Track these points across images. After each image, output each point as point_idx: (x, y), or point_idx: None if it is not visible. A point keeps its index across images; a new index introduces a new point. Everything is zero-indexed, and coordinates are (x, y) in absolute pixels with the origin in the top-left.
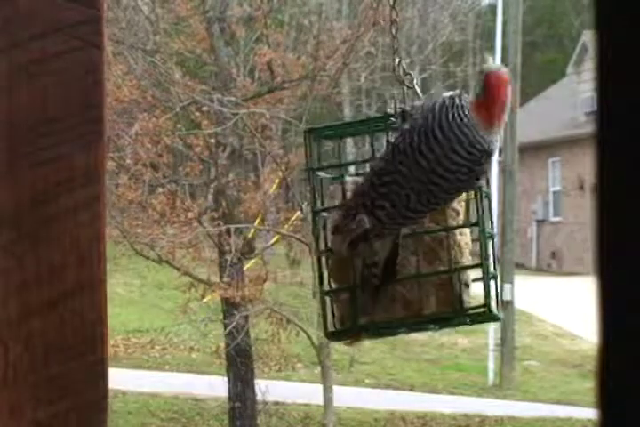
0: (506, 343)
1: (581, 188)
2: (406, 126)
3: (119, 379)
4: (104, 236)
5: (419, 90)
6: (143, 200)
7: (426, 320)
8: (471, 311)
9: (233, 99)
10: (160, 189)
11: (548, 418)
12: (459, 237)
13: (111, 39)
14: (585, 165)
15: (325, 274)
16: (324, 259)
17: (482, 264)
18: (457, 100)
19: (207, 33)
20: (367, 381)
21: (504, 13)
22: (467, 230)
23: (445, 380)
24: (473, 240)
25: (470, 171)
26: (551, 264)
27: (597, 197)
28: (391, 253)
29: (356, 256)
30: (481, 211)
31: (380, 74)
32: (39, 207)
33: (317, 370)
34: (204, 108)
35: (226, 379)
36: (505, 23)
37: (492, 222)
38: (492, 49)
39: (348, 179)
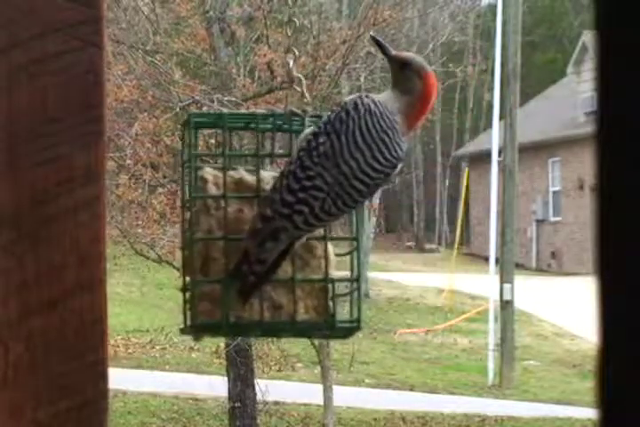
0: (506, 343)
1: (581, 188)
2: (318, 129)
3: (119, 379)
4: (104, 236)
5: (307, 94)
6: (143, 200)
7: (297, 327)
8: (341, 324)
9: (233, 99)
10: (160, 189)
11: (548, 418)
12: (330, 247)
13: (111, 39)
14: (585, 165)
15: (196, 266)
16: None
17: (356, 278)
18: (377, 104)
19: (207, 33)
20: (367, 381)
21: (504, 13)
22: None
23: (445, 380)
24: (342, 254)
25: (386, 175)
26: (551, 264)
27: (597, 197)
28: (282, 254)
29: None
30: (356, 222)
31: (380, 74)
32: (39, 207)
33: (317, 370)
34: (204, 108)
35: (226, 379)
36: (505, 23)
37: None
38: (491, 49)
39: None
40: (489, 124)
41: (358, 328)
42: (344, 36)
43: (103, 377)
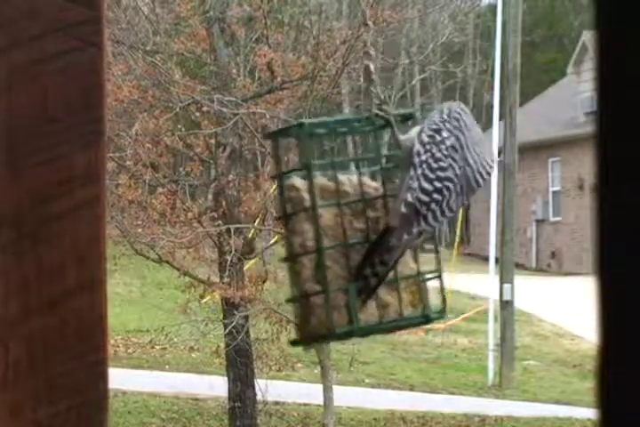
0: (506, 343)
1: (581, 188)
2: (434, 126)
3: (119, 379)
4: (104, 236)
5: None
6: (143, 200)
7: (402, 323)
8: (434, 316)
9: (233, 99)
10: (160, 189)
11: (548, 418)
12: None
13: (111, 39)
14: (585, 165)
15: (303, 276)
16: (306, 260)
17: (439, 271)
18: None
19: (207, 33)
20: (367, 381)
21: (504, 13)
22: None
23: (445, 380)
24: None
25: (485, 180)
26: (551, 264)
27: (597, 196)
28: (402, 253)
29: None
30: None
31: (380, 74)
32: (39, 207)
33: (317, 370)
34: (204, 109)
35: (226, 379)
36: (505, 23)
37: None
38: (491, 49)
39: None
40: (489, 125)
41: (444, 317)
42: (344, 36)
43: (103, 377)
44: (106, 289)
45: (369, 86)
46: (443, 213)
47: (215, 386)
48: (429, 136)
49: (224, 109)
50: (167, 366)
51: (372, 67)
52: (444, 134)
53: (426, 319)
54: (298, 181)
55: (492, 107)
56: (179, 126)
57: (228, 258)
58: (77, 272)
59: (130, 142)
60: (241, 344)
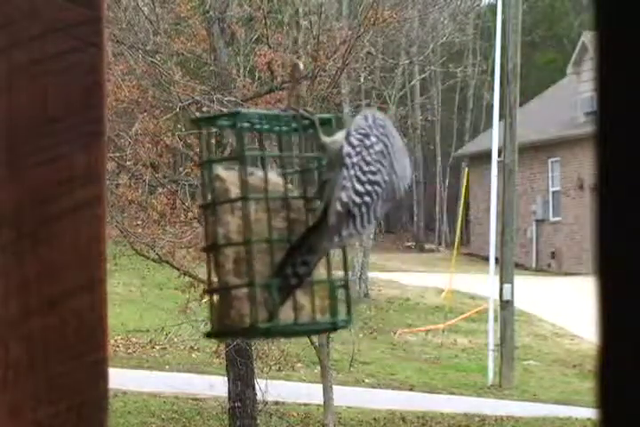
0: (506, 343)
1: (581, 188)
2: (360, 130)
3: (119, 379)
4: (104, 236)
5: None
6: (143, 200)
7: (313, 327)
8: (339, 323)
9: (233, 99)
10: (160, 189)
11: (548, 418)
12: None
13: (111, 39)
14: (585, 165)
15: (225, 269)
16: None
17: (346, 272)
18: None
19: (207, 33)
20: (367, 381)
21: (504, 13)
22: None
23: (445, 380)
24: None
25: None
26: (551, 264)
27: (597, 197)
28: (325, 254)
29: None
30: None
31: (380, 74)
32: (39, 207)
33: (317, 370)
34: (204, 108)
35: (226, 379)
36: (505, 23)
37: None
38: (491, 49)
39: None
40: (489, 124)
41: (348, 325)
42: (344, 36)
43: (103, 377)
44: (106, 289)
45: (295, 85)
46: (369, 218)
47: (215, 386)
48: (358, 140)
49: (224, 109)
50: (167, 366)
51: (300, 66)
52: (373, 139)
53: (333, 326)
54: (222, 171)
55: (492, 107)
56: (179, 126)
57: None
58: (77, 272)
59: (130, 142)
60: (241, 344)
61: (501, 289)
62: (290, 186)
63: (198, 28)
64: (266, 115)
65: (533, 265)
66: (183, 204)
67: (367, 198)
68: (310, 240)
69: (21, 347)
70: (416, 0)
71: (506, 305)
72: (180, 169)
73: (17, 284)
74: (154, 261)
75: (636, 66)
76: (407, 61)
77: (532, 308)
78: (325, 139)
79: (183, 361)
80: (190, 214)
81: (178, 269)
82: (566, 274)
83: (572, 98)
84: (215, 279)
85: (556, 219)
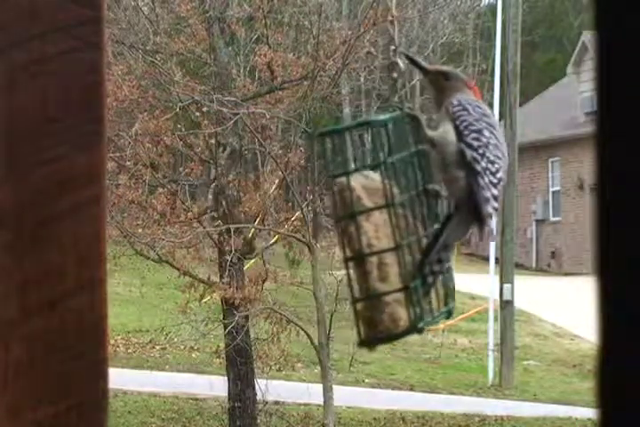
0: (506, 343)
1: (581, 188)
2: (470, 124)
3: (119, 379)
4: (104, 236)
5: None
6: (143, 200)
7: (437, 318)
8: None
9: (233, 99)
10: (160, 189)
11: (548, 418)
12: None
13: (111, 39)
14: (585, 165)
15: (373, 276)
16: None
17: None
18: None
19: (207, 33)
20: (367, 381)
21: (504, 13)
22: None
23: (445, 380)
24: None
25: None
26: (551, 264)
27: (597, 197)
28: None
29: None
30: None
31: (380, 74)
32: (39, 207)
33: (317, 370)
34: (204, 109)
35: (226, 379)
36: (505, 23)
37: None
38: (491, 49)
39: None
40: None
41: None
42: (344, 36)
43: (103, 377)
44: (106, 289)
45: (395, 84)
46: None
47: (215, 386)
48: (475, 139)
49: (224, 109)
50: (167, 366)
51: (401, 64)
52: (486, 134)
53: (448, 314)
54: (352, 180)
55: (492, 107)
56: (179, 126)
57: (228, 258)
58: (77, 272)
59: (130, 142)
60: (241, 344)
61: (501, 289)
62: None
63: (198, 28)
64: (370, 122)
65: (533, 265)
66: (183, 204)
67: (500, 198)
68: (443, 239)
69: (21, 347)
70: (416, 0)
71: (506, 305)
72: (180, 169)
73: (17, 284)
74: (154, 261)
75: (636, 66)
76: (407, 61)
77: (532, 308)
78: (432, 134)
79: (183, 361)
80: (190, 214)
81: (178, 269)
82: (566, 274)
83: (572, 98)
84: (359, 288)
85: (556, 219)
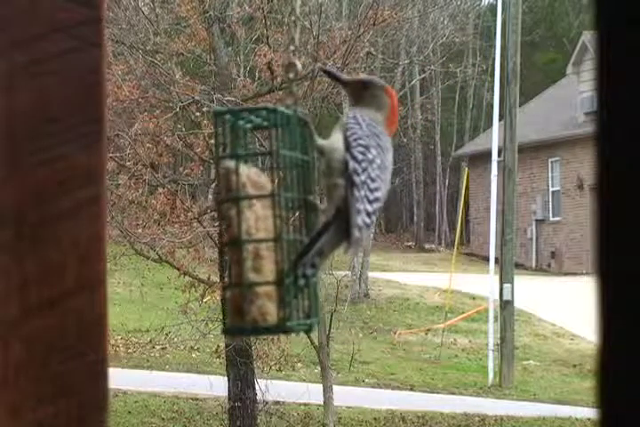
0: (506, 343)
1: (581, 188)
2: (359, 141)
3: (119, 379)
4: (104, 236)
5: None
6: (143, 200)
7: (300, 327)
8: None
9: (233, 99)
10: (160, 189)
11: (548, 417)
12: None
13: (111, 39)
14: (585, 165)
15: (247, 264)
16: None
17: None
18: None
19: (207, 33)
20: (367, 381)
21: (504, 13)
22: None
23: (445, 380)
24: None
25: None
26: (551, 264)
27: (597, 197)
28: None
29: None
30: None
31: (379, 74)
32: (39, 207)
33: (317, 370)
34: (204, 109)
35: (226, 379)
36: (505, 23)
37: None
38: (491, 49)
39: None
40: (489, 124)
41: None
42: (344, 36)
43: (103, 377)
44: (106, 289)
45: (291, 84)
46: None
47: (215, 386)
48: (361, 153)
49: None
50: (167, 366)
51: (298, 64)
52: (373, 152)
53: (309, 327)
54: (241, 166)
55: (492, 107)
56: (179, 126)
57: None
58: (77, 272)
59: (130, 142)
60: (241, 344)
61: (501, 289)
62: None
63: (198, 28)
64: (266, 108)
65: (533, 265)
66: (183, 204)
67: (373, 217)
68: (320, 244)
69: (21, 347)
70: (416, 0)
71: (506, 305)
72: (180, 169)
73: (17, 284)
74: (154, 261)
75: (636, 66)
76: (407, 61)
77: (532, 308)
78: (322, 142)
79: (183, 361)
80: (190, 214)
81: (178, 269)
82: (566, 274)
83: (572, 98)
84: (231, 275)
85: (556, 219)
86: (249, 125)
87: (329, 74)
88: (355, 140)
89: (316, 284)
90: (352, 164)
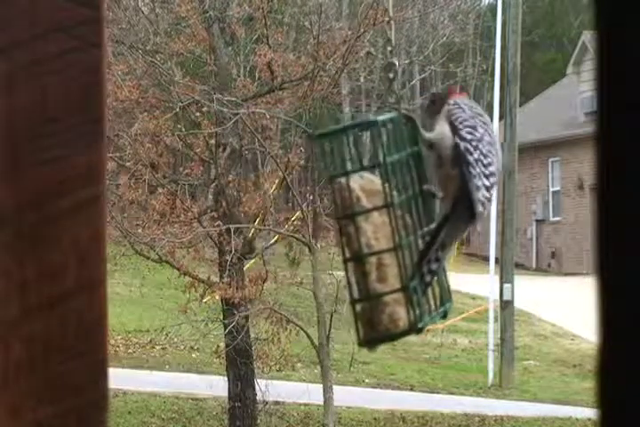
0: (506, 343)
1: (581, 188)
2: (466, 122)
3: (119, 379)
4: (104, 236)
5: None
6: (143, 200)
7: (434, 318)
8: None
9: (233, 99)
10: (160, 189)
11: (548, 418)
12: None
13: (111, 39)
14: (585, 165)
15: (372, 276)
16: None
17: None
18: None
19: (207, 33)
20: (367, 381)
21: (504, 13)
22: None
23: (445, 380)
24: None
25: None
26: (551, 264)
27: (597, 197)
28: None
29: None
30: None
31: (380, 74)
32: (39, 207)
33: (317, 370)
34: (204, 108)
35: (226, 379)
36: (505, 23)
37: None
38: (491, 49)
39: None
40: None
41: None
42: (344, 36)
43: (103, 377)
44: (106, 289)
45: (391, 84)
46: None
47: (215, 386)
48: (469, 133)
49: (224, 109)
50: (167, 366)
51: (396, 64)
52: (480, 130)
53: (444, 313)
54: (351, 181)
55: (492, 107)
56: (179, 126)
57: (228, 258)
58: (77, 272)
59: (130, 142)
60: (241, 344)
61: (501, 289)
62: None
63: (198, 28)
64: (367, 122)
65: (533, 265)
66: (183, 204)
67: (492, 191)
68: (441, 238)
69: (21, 347)
70: (416, 0)
71: (506, 305)
72: (180, 169)
73: (17, 284)
74: (154, 261)
75: (636, 66)
76: (407, 61)
77: (532, 308)
78: (429, 135)
79: (183, 361)
80: (190, 214)
81: (178, 270)
82: (566, 274)
83: (572, 98)
84: (358, 289)
85: (556, 219)
86: (365, 137)
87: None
88: (460, 122)
89: (444, 270)
90: (463, 144)
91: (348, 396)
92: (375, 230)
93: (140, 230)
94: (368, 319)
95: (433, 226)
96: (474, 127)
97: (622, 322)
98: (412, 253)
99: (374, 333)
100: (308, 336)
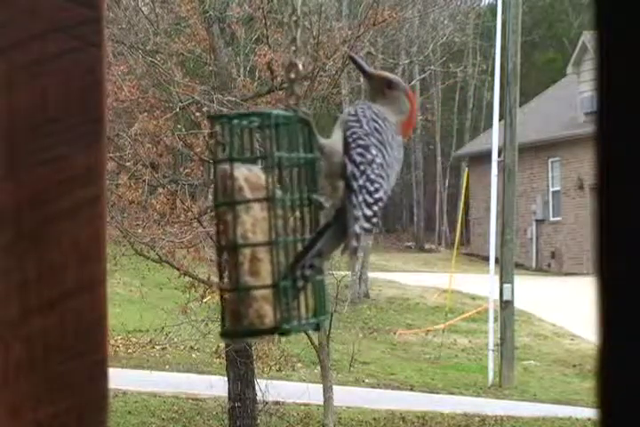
0: (506, 343)
1: (581, 188)
2: (358, 138)
3: (119, 379)
4: (104, 236)
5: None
6: (143, 200)
7: (306, 326)
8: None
9: (233, 99)
10: (160, 190)
11: (548, 418)
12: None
13: (111, 39)
14: (585, 165)
15: (244, 268)
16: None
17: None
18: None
19: (207, 33)
20: (367, 381)
21: (504, 13)
22: None
23: (445, 380)
24: None
25: None
26: (551, 264)
27: (597, 197)
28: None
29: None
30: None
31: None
32: (39, 207)
33: (317, 370)
34: (204, 108)
35: (226, 379)
36: (505, 23)
37: None
38: (491, 49)
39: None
40: (489, 124)
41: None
42: (344, 36)
43: (103, 377)
44: (106, 289)
45: (291, 85)
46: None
47: (215, 386)
48: (360, 154)
49: (224, 109)
50: (167, 366)
51: (299, 65)
52: (373, 152)
53: (317, 326)
54: (240, 168)
55: (492, 107)
56: (179, 126)
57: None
58: (77, 272)
59: (130, 142)
60: (241, 345)
61: (501, 289)
62: (271, 182)
63: (198, 28)
64: (260, 113)
65: (533, 265)
66: (183, 204)
67: (375, 220)
68: (319, 245)
69: (21, 347)
70: (416, 0)
71: (506, 305)
72: (180, 169)
73: (17, 284)
74: (154, 261)
75: (636, 66)
76: (407, 61)
77: (532, 308)
78: (323, 142)
79: (183, 361)
80: (190, 214)
81: (178, 270)
82: (566, 274)
83: (572, 98)
84: (228, 279)
85: (556, 219)
86: (254, 125)
87: (354, 62)
88: (354, 140)
89: (323, 283)
90: (350, 167)
91: (347, 396)
92: (254, 223)
93: (139, 230)
94: (234, 311)
95: (315, 233)
96: (366, 147)
97: (622, 322)
98: (289, 254)
99: (239, 325)
100: (308, 336)
